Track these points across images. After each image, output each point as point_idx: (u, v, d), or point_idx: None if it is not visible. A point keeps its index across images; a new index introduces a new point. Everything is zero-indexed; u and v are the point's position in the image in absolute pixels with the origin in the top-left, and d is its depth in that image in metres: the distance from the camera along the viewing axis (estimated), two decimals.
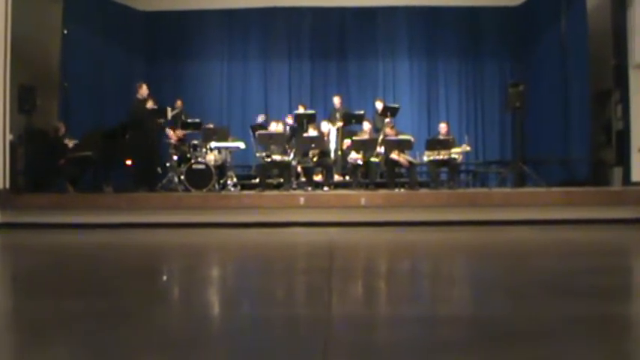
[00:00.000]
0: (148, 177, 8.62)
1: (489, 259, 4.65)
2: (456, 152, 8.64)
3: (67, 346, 2.18)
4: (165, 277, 4.08)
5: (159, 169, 9.11)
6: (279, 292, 3.37)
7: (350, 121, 9.67)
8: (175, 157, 8.92)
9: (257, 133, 9.03)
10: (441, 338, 2.24)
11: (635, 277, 3.99)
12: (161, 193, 8.32)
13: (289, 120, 10.17)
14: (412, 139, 8.82)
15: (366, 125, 9.60)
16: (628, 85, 9.02)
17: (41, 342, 2.17)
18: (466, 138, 9.33)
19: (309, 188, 8.49)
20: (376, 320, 2.61)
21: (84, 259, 4.88)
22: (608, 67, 9.60)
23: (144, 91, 8.68)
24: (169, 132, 9.21)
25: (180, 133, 9.22)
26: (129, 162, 8.74)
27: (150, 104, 8.62)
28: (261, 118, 10.32)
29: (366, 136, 9.21)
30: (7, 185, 7.96)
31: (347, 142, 9.30)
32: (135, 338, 2.25)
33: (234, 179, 9.07)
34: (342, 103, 10.24)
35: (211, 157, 8.74)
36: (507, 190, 8.46)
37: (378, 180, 9.28)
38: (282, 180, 8.84)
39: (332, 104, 10.66)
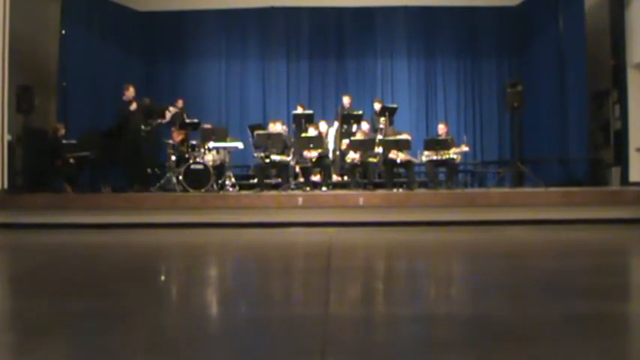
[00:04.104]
0: (138, 177, 8.64)
1: (487, 259, 4.65)
2: (454, 152, 8.65)
3: (66, 346, 2.18)
4: (163, 278, 4.08)
5: (149, 170, 9.09)
6: (278, 292, 3.37)
7: (348, 122, 9.67)
8: (174, 158, 8.92)
9: (255, 133, 9.03)
10: (439, 338, 2.24)
11: (633, 276, 4.00)
12: (159, 193, 8.31)
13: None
14: (409, 137, 8.83)
15: (365, 125, 9.61)
16: (626, 84, 9.04)
17: (41, 342, 2.16)
18: (464, 138, 9.34)
19: (308, 188, 8.49)
20: (374, 320, 2.61)
21: (82, 259, 4.87)
22: (606, 67, 9.62)
23: (130, 93, 8.68)
24: (174, 133, 9.20)
25: (183, 133, 9.20)
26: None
27: (133, 106, 8.60)
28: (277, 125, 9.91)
29: (363, 137, 9.22)
30: (5, 185, 7.96)
31: (345, 142, 9.31)
32: (134, 338, 2.24)
33: (233, 179, 9.07)
34: (352, 103, 10.15)
35: (210, 158, 8.74)
36: (506, 190, 8.46)
37: (377, 180, 9.29)
38: (280, 180, 8.85)
39: (331, 104, 10.63)
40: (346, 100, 10.06)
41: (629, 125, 8.94)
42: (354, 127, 9.64)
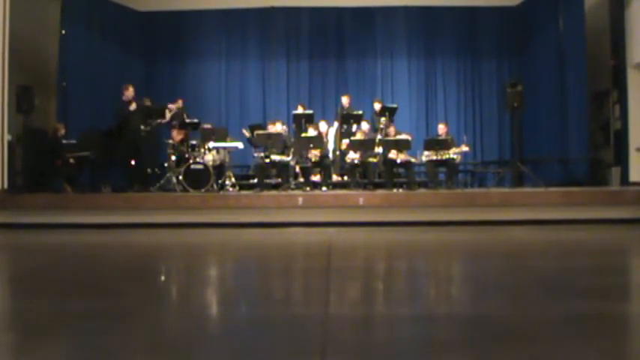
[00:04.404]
0: (138, 177, 8.65)
1: (487, 259, 4.65)
2: (454, 152, 8.65)
3: (66, 346, 2.18)
4: (164, 278, 4.08)
5: (149, 170, 9.10)
6: (278, 292, 3.37)
7: (348, 122, 9.67)
8: (174, 158, 8.92)
9: (255, 133, 9.03)
10: (439, 338, 2.24)
11: (633, 276, 4.00)
12: (159, 193, 8.31)
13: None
14: (410, 137, 8.84)
15: (365, 125, 9.61)
16: (626, 84, 9.04)
17: (41, 342, 2.16)
18: (464, 138, 9.35)
19: (308, 188, 8.49)
20: (374, 320, 2.60)
21: (82, 259, 4.87)
22: (606, 67, 9.62)
23: (129, 93, 8.73)
24: (173, 132, 9.20)
25: (183, 133, 9.20)
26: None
27: (133, 106, 8.64)
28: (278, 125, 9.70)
29: (363, 137, 9.22)
30: (5, 185, 7.96)
31: (345, 142, 9.31)
32: (134, 338, 2.24)
33: (233, 179, 9.07)
34: (351, 103, 10.14)
35: (210, 157, 8.74)
36: (506, 190, 8.46)
37: (377, 180, 9.29)
38: (280, 180, 8.85)
39: (331, 104, 10.59)
40: (346, 100, 10.06)
41: (629, 125, 8.94)
42: (354, 127, 9.65)
